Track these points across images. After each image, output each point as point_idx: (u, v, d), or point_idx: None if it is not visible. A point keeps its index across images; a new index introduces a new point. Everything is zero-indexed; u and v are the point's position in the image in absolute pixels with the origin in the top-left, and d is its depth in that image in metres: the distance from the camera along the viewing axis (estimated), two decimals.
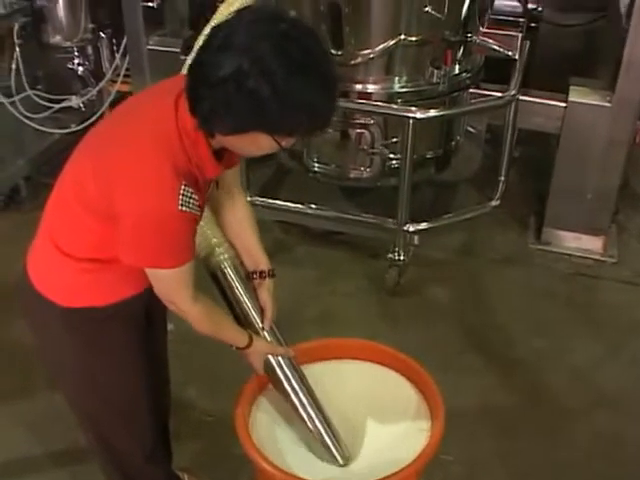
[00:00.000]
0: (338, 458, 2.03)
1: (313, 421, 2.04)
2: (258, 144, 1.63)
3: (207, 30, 2.78)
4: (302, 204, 3.72)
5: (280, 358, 2.04)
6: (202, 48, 1.57)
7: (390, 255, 3.55)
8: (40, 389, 2.92)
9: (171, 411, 2.35)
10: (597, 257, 3.84)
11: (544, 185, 3.86)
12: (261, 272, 2.04)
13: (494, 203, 3.66)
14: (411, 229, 3.50)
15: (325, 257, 3.81)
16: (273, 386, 2.10)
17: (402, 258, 3.54)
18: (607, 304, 3.59)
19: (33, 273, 1.88)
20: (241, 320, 2.02)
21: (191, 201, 1.64)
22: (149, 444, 2.15)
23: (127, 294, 1.87)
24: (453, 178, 4.03)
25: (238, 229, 2.04)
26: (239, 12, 1.60)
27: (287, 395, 2.05)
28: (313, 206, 3.71)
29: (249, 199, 3.22)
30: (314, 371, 2.16)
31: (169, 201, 1.61)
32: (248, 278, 2.04)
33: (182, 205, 1.62)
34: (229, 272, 2.01)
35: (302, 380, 2.07)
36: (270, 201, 3.73)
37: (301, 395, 2.05)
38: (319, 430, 2.04)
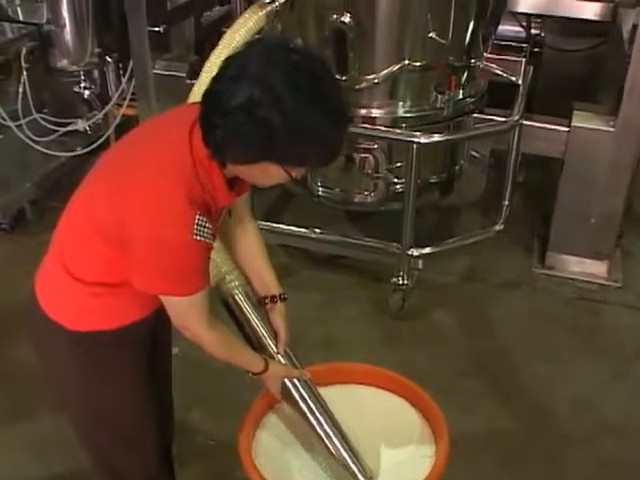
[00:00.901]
0: (361, 478, 2.01)
1: (333, 442, 2.03)
2: (269, 174, 1.65)
3: (213, 57, 2.84)
4: (306, 228, 3.72)
5: (296, 381, 2.04)
6: (215, 78, 1.59)
7: (394, 279, 3.54)
8: (44, 411, 2.92)
9: (174, 435, 2.35)
10: (601, 281, 3.83)
11: (548, 209, 3.86)
12: (272, 297, 2.05)
13: (498, 227, 3.66)
14: (415, 253, 3.50)
15: (329, 281, 3.80)
16: (292, 408, 2.08)
17: (406, 282, 3.53)
18: (611, 329, 3.58)
19: (41, 295, 1.88)
20: (255, 345, 2.02)
21: (205, 230, 1.64)
22: (152, 468, 2.14)
23: (135, 318, 1.88)
24: (457, 202, 4.04)
25: (251, 256, 2.06)
26: (251, 43, 1.64)
27: (305, 417, 2.05)
28: (317, 230, 3.71)
29: None
30: None
31: (184, 230, 1.62)
32: (260, 303, 2.05)
33: (197, 234, 1.63)
34: (240, 298, 2.01)
35: (319, 401, 2.07)
36: (274, 225, 3.73)
37: (319, 416, 2.04)
38: (339, 451, 2.03)
